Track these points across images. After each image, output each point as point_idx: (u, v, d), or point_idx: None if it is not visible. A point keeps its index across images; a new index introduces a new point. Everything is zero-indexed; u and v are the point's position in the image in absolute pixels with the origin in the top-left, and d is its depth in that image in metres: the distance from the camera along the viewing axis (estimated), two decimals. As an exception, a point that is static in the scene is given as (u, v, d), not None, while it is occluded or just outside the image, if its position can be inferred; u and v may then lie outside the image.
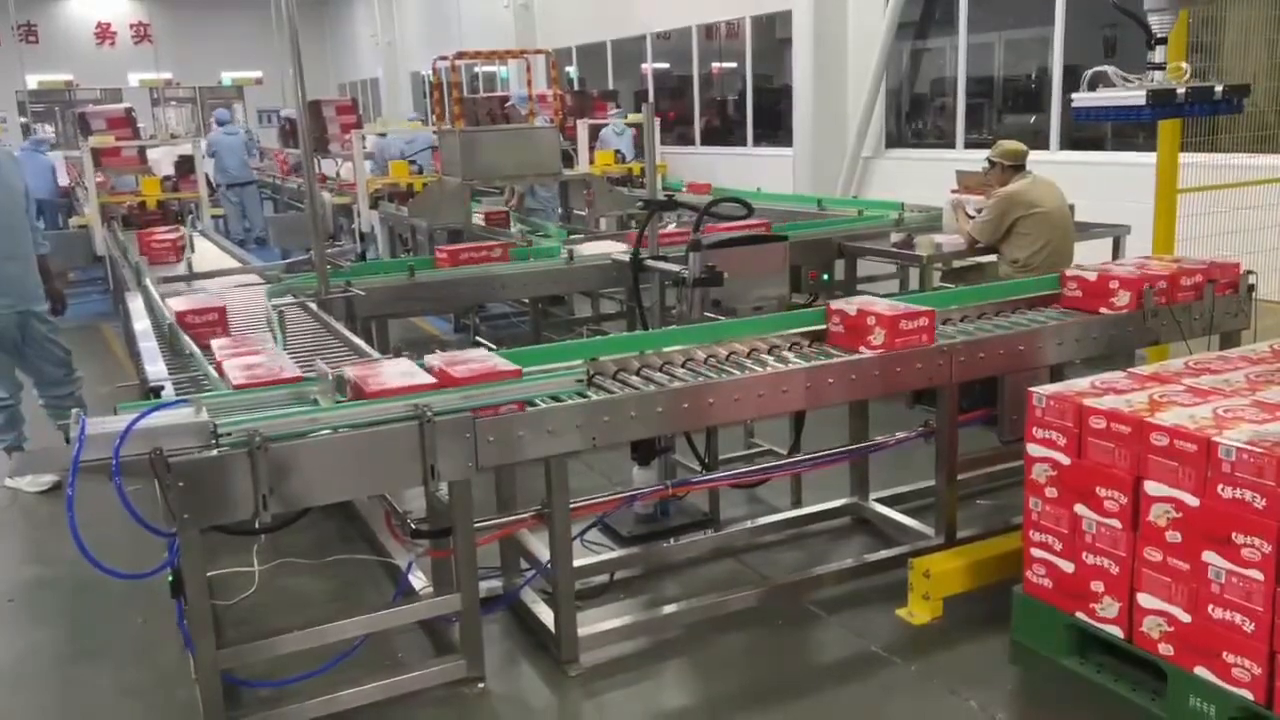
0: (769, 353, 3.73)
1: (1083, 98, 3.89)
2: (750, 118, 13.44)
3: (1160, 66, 3.78)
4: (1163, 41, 3.77)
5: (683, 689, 3.40)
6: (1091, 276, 4.25)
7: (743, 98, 13.67)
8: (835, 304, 3.89)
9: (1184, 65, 3.87)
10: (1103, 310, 4.15)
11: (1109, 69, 3.89)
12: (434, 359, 3.25)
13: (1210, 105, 3.88)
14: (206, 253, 7.14)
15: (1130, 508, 2.98)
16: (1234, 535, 2.72)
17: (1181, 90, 3.75)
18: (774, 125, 13.21)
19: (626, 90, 15.74)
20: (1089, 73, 3.91)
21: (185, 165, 10.79)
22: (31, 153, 12.58)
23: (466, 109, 10.59)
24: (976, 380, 4.09)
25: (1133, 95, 3.74)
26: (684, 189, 9.47)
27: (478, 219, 8.04)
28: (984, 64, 10.56)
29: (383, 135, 11.45)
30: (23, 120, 24.80)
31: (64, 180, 13.01)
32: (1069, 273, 4.38)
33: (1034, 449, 3.26)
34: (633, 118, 11.75)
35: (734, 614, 3.68)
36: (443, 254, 5.94)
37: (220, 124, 14.48)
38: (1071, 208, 5.94)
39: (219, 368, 3.41)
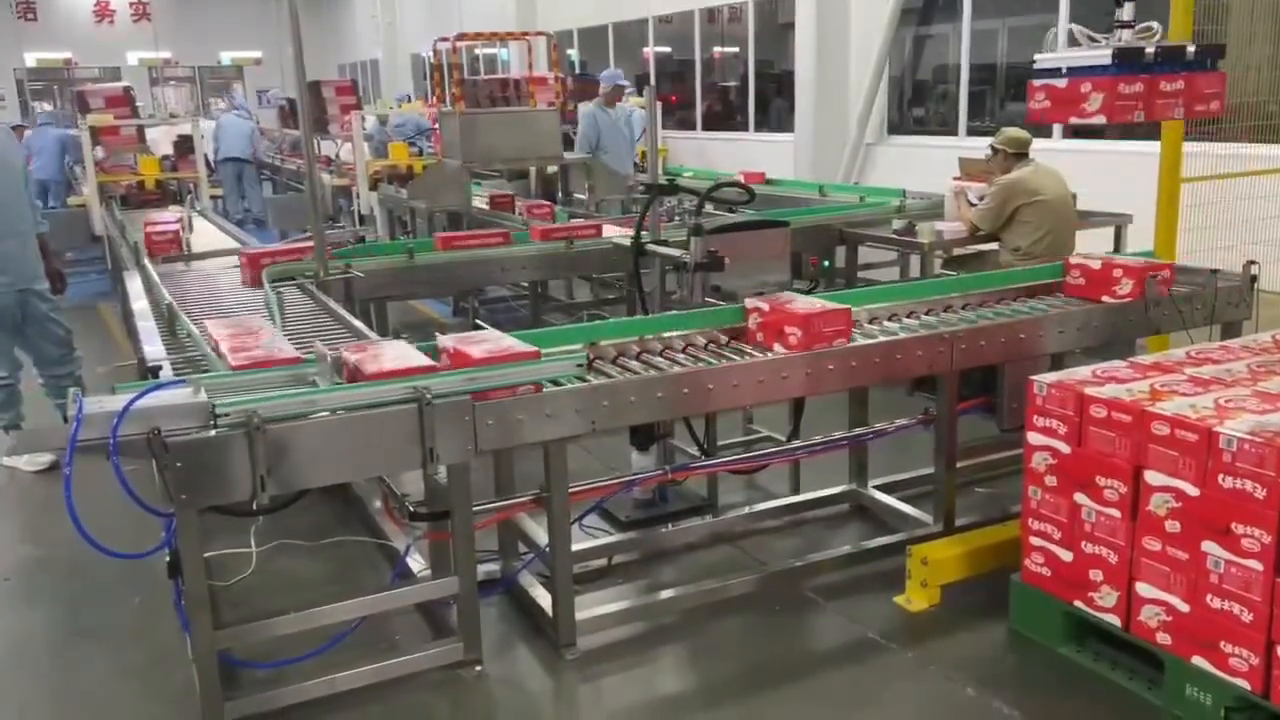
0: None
1: (1046, 57, 3.80)
2: (752, 103, 13.39)
3: (1129, 24, 3.66)
4: None
5: (679, 674, 3.40)
6: (1095, 265, 4.23)
7: (744, 83, 13.62)
8: (751, 301, 3.73)
9: (1154, 25, 3.76)
10: (1105, 299, 4.13)
11: (1075, 27, 3.80)
12: (446, 340, 3.25)
13: (1182, 64, 3.74)
14: (205, 233, 7.11)
15: (1130, 497, 2.98)
16: (1233, 525, 2.72)
17: (1150, 49, 3.62)
18: (776, 111, 13.16)
19: (628, 74, 15.68)
20: (1052, 31, 3.80)
21: (184, 145, 10.74)
22: (41, 130, 12.51)
23: (467, 91, 10.53)
24: (976, 368, 4.08)
25: (1097, 54, 3.63)
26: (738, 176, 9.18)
27: (481, 203, 7.97)
28: (987, 51, 10.51)
29: (383, 123, 11.42)
30: (29, 100, 24.67)
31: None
32: (1073, 260, 4.36)
33: (1034, 437, 3.26)
34: (634, 100, 11.70)
35: (731, 599, 3.68)
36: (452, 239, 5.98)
37: (237, 107, 14.55)
38: (1074, 196, 5.92)
39: (216, 348, 3.39)
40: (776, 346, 3.56)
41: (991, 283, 4.42)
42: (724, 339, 3.70)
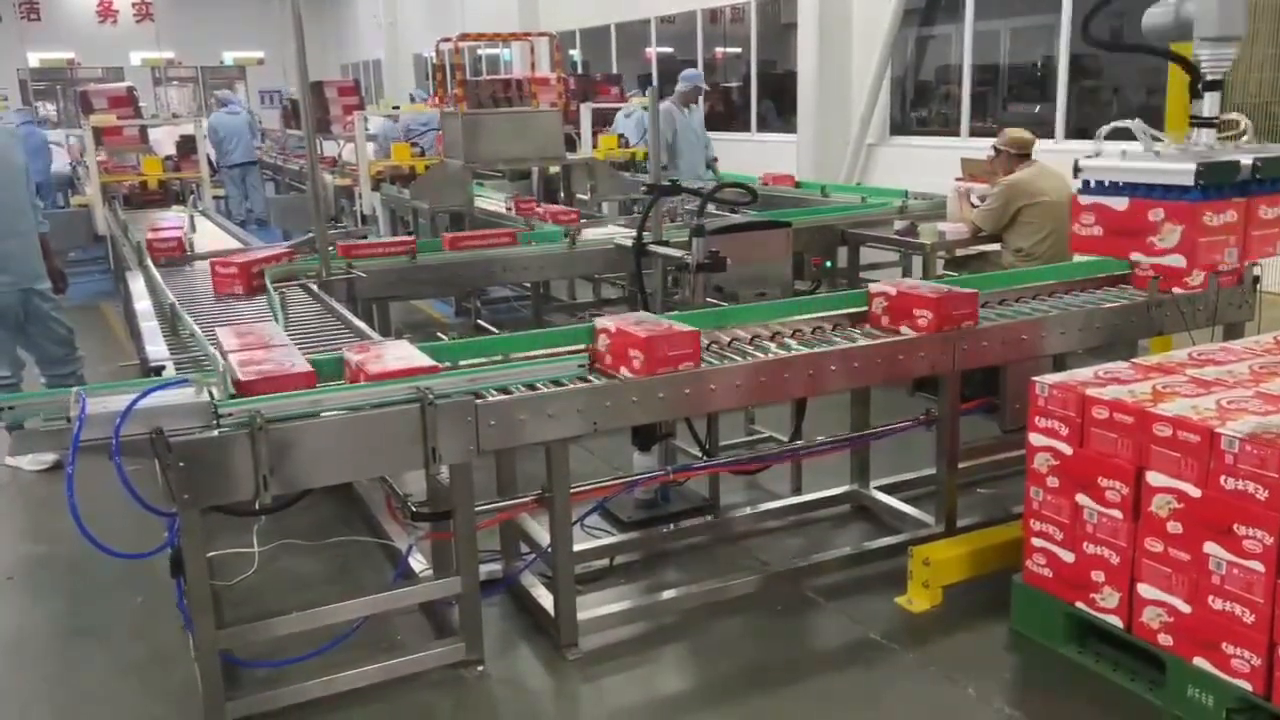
0: (771, 339, 3.72)
1: (1096, 166, 2.91)
2: (754, 103, 13.39)
3: (1210, 122, 2.70)
4: (1216, 86, 2.65)
5: (681, 674, 3.40)
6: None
7: (747, 83, 13.62)
8: (601, 321, 3.46)
9: (1240, 119, 2.83)
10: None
11: (1133, 124, 2.89)
12: (351, 354, 3.12)
13: None
14: (208, 233, 7.11)
15: (1132, 498, 2.98)
16: (1235, 526, 2.72)
17: (1248, 161, 2.60)
18: (779, 111, 13.16)
19: (630, 74, 15.68)
20: (1104, 129, 2.90)
21: (187, 145, 10.75)
22: (30, 129, 12.48)
23: (469, 91, 10.53)
24: (978, 369, 4.08)
25: (1173, 167, 2.64)
26: (760, 182, 8.51)
27: (500, 208, 7.71)
28: (990, 51, 10.51)
29: (396, 116, 11.39)
30: (31, 103, 24.65)
31: (60, 164, 12.77)
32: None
33: (1036, 438, 3.26)
34: (636, 101, 11.70)
35: (733, 600, 3.68)
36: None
37: (223, 104, 14.26)
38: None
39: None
40: (623, 370, 3.30)
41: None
42: (726, 340, 3.70)
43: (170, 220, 6.86)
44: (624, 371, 3.29)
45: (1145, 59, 3.22)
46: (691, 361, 3.32)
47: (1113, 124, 2.78)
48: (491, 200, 8.03)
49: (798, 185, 8.39)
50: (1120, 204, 2.85)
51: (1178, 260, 2.85)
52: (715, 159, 9.27)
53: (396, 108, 12.11)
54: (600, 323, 3.44)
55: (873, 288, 3.80)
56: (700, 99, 9.16)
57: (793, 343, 3.63)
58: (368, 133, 10.10)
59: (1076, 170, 3.01)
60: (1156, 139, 2.74)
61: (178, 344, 3.79)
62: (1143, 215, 2.82)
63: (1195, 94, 2.66)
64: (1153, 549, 2.94)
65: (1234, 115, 2.75)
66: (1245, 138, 2.67)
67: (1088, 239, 3.05)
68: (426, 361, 3.08)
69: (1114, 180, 2.84)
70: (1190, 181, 2.57)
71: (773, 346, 3.61)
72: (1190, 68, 2.61)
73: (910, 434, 4.21)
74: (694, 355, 3.34)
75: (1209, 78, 2.57)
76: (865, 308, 3.85)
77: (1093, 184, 2.90)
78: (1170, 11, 2.68)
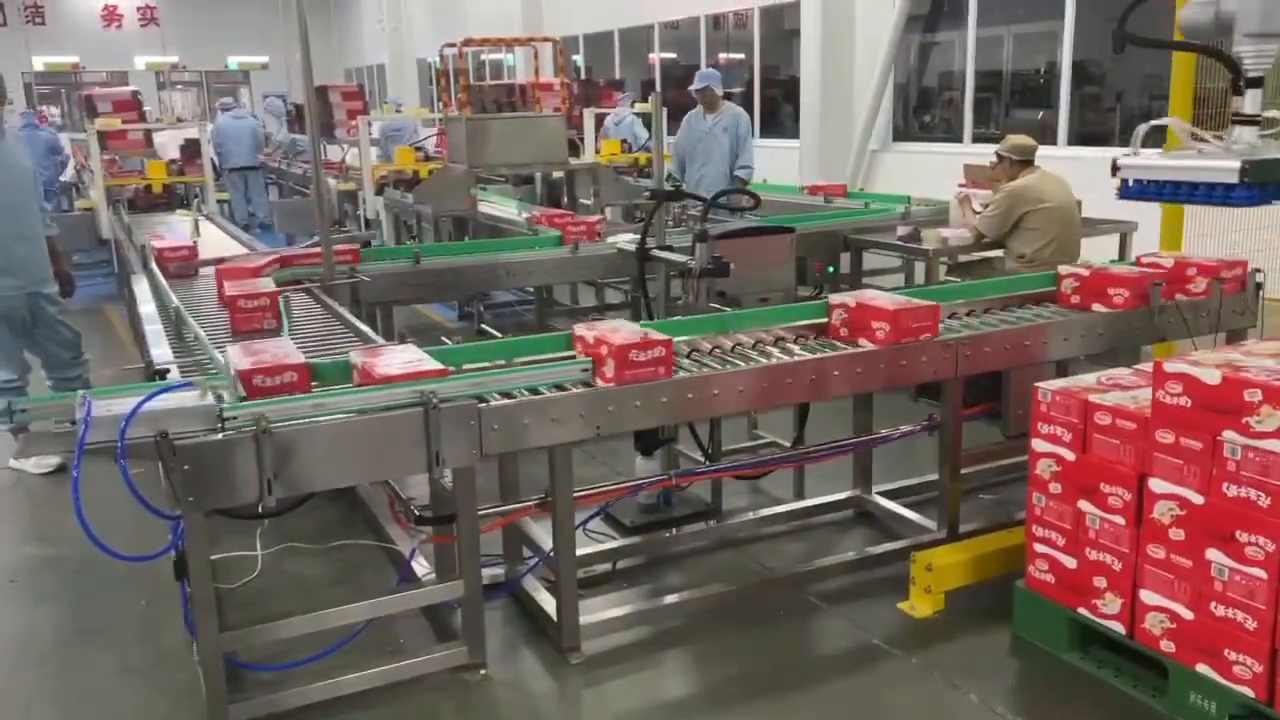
0: (774, 344, 3.73)
1: (1135, 164, 2.78)
2: (758, 109, 13.41)
3: (1254, 120, 2.60)
4: (1257, 83, 2.56)
5: (683, 678, 3.41)
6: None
7: (750, 89, 13.64)
8: (579, 329, 3.40)
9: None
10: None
11: (1174, 122, 2.88)
12: (359, 357, 3.12)
13: None
14: (212, 238, 7.13)
15: (1134, 504, 2.98)
16: (1238, 533, 2.73)
17: None
18: (781, 116, 13.18)
19: (633, 79, 15.71)
20: (1142, 128, 2.77)
21: (191, 149, 10.77)
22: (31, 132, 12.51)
23: (473, 96, 10.56)
24: (981, 374, 4.08)
25: (1216, 165, 2.54)
26: (803, 191, 8.30)
27: (517, 215, 7.36)
28: (993, 58, 10.53)
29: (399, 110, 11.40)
30: (35, 107, 24.73)
31: (67, 174, 12.79)
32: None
33: (1038, 444, 3.27)
34: (640, 107, 11.72)
35: (735, 604, 3.68)
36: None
37: (225, 110, 14.27)
38: (1079, 203, 5.92)
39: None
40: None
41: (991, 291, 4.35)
42: (728, 344, 3.70)
43: (176, 232, 6.81)
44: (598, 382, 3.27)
45: (1146, 65, 3.28)
46: (663, 368, 3.27)
47: (1150, 123, 2.67)
48: (495, 205, 8.02)
49: (848, 195, 8.01)
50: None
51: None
52: (746, 168, 8.03)
53: (398, 111, 12.17)
54: (579, 330, 3.42)
55: (833, 299, 3.79)
56: (720, 101, 8.18)
57: (754, 353, 3.61)
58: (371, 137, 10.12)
59: (1115, 169, 2.85)
60: (1199, 138, 2.64)
61: (182, 347, 3.81)
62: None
63: (1237, 90, 2.57)
64: (1155, 555, 2.94)
65: (1275, 113, 2.62)
66: None
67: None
68: (435, 365, 3.09)
69: (1154, 179, 2.73)
70: (1235, 179, 2.47)
71: (756, 356, 3.60)
72: (1232, 65, 2.53)
73: (913, 439, 4.22)
74: (667, 364, 3.29)
75: (1251, 74, 2.48)
76: (825, 319, 3.82)
77: (1131, 183, 2.79)
78: (1209, 9, 2.60)
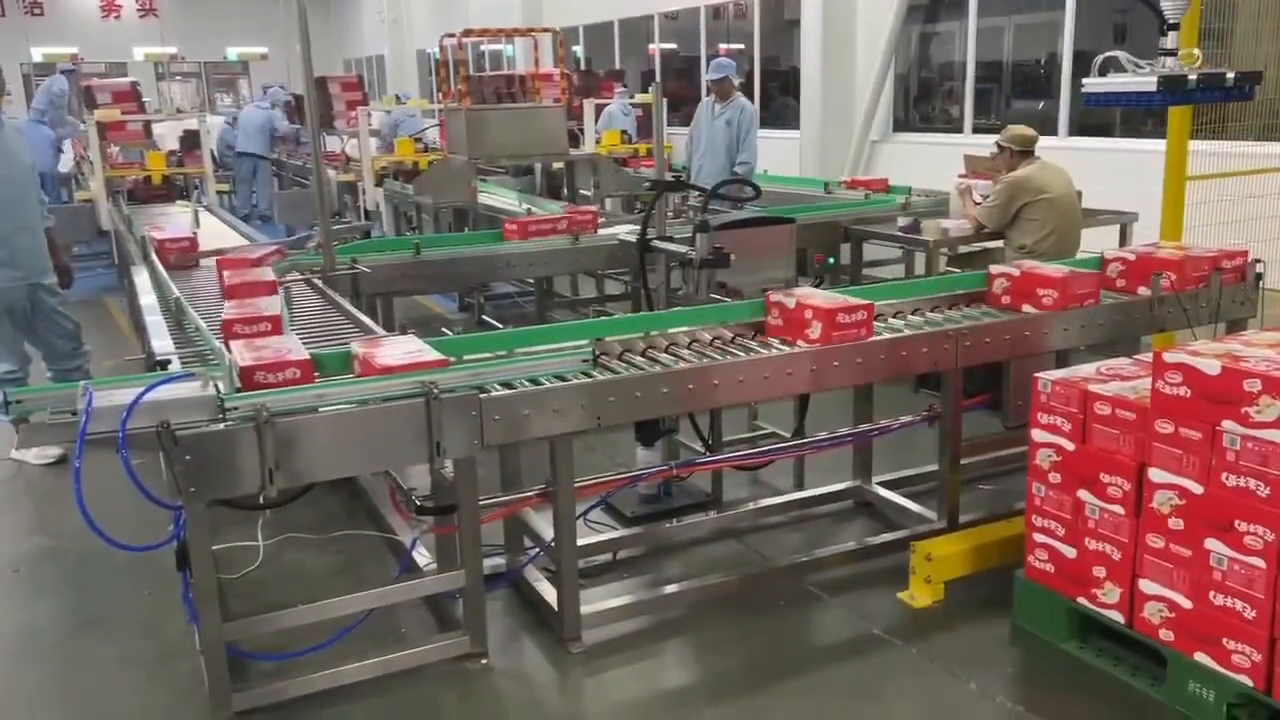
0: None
1: (1094, 83, 3.92)
2: (758, 99, 13.39)
3: (1172, 52, 3.78)
4: (1175, 27, 3.79)
5: (683, 667, 3.42)
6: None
7: (750, 79, 13.61)
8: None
9: (1195, 52, 3.89)
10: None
11: (1120, 54, 3.91)
12: (360, 348, 3.13)
13: (1221, 91, 3.87)
14: (212, 229, 7.13)
15: (1133, 494, 2.99)
16: (1237, 523, 2.73)
17: (1193, 76, 3.77)
18: (781, 107, 13.16)
19: (633, 70, 15.70)
20: (1100, 58, 3.89)
21: (190, 140, 10.77)
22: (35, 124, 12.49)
23: (473, 87, 10.55)
24: (981, 365, 4.08)
25: (1144, 81, 3.77)
26: (842, 186, 8.03)
27: (514, 205, 7.43)
28: (993, 48, 10.51)
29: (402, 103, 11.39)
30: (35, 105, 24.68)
31: (65, 165, 12.76)
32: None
33: (1038, 434, 3.27)
34: (640, 98, 11.71)
35: (736, 594, 3.69)
36: (512, 226, 6.01)
37: (257, 101, 14.50)
38: (1079, 194, 5.92)
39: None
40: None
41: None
42: (729, 335, 3.71)
43: (176, 224, 6.78)
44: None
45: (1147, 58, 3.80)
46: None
47: (1105, 55, 3.88)
48: (496, 196, 8.02)
49: (890, 190, 7.63)
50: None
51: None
52: (744, 164, 7.83)
53: (402, 103, 12.16)
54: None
55: (771, 297, 3.78)
56: (733, 91, 8.03)
57: (686, 352, 3.57)
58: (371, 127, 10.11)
59: (1082, 88, 4.00)
60: (1136, 65, 3.83)
61: (183, 338, 3.81)
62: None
63: (1161, 32, 3.79)
64: (1154, 545, 2.95)
65: (1193, 49, 3.89)
66: (1198, 64, 3.83)
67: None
68: (436, 356, 3.09)
69: (1106, 92, 3.90)
70: (1154, 89, 3.72)
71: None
72: (1157, 12, 3.77)
73: (913, 430, 4.22)
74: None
75: (1170, 21, 3.76)
76: (763, 318, 3.78)
77: (1092, 97, 3.97)
78: None
